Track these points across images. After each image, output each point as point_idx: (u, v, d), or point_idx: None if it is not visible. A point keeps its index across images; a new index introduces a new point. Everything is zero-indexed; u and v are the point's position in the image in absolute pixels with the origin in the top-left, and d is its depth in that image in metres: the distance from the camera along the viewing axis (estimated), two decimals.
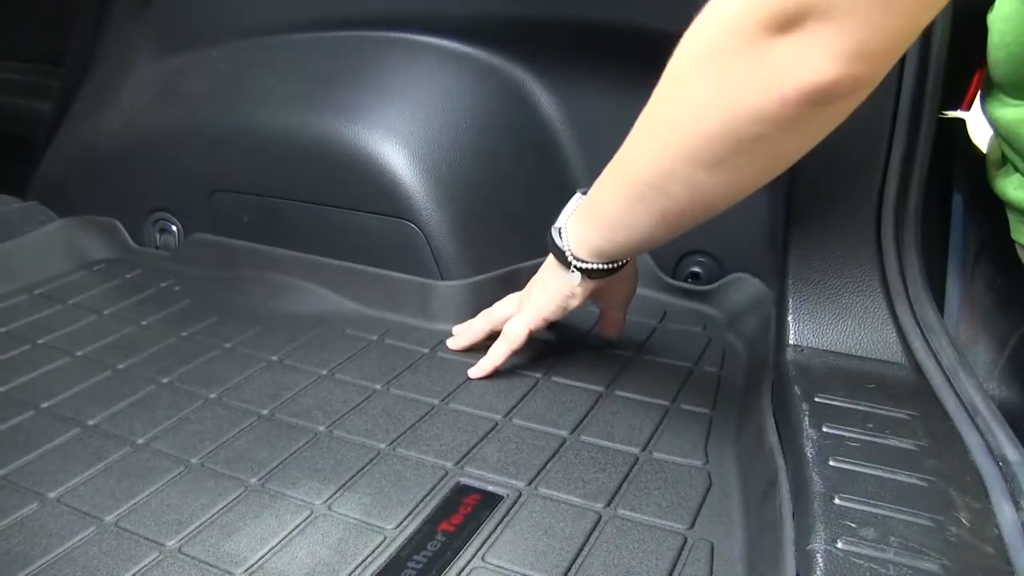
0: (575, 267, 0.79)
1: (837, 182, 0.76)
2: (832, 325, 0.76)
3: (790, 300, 0.78)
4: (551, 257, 0.82)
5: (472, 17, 1.05)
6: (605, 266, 0.79)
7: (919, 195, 0.77)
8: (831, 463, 0.59)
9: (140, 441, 0.77)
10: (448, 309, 0.98)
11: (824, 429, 0.63)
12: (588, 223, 0.77)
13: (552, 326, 0.95)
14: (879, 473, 0.57)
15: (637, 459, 0.74)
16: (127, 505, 0.68)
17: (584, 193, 0.79)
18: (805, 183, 0.77)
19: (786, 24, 0.50)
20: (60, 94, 1.34)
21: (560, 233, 0.79)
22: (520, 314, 0.87)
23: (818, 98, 0.52)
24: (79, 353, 0.93)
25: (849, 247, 0.77)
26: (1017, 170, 0.74)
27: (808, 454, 0.60)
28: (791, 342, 0.77)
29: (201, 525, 0.65)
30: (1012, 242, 0.77)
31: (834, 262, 0.77)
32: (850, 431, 0.62)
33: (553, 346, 0.93)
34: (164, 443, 0.76)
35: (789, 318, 0.78)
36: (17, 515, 0.66)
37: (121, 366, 0.90)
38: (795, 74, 0.51)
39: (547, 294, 0.84)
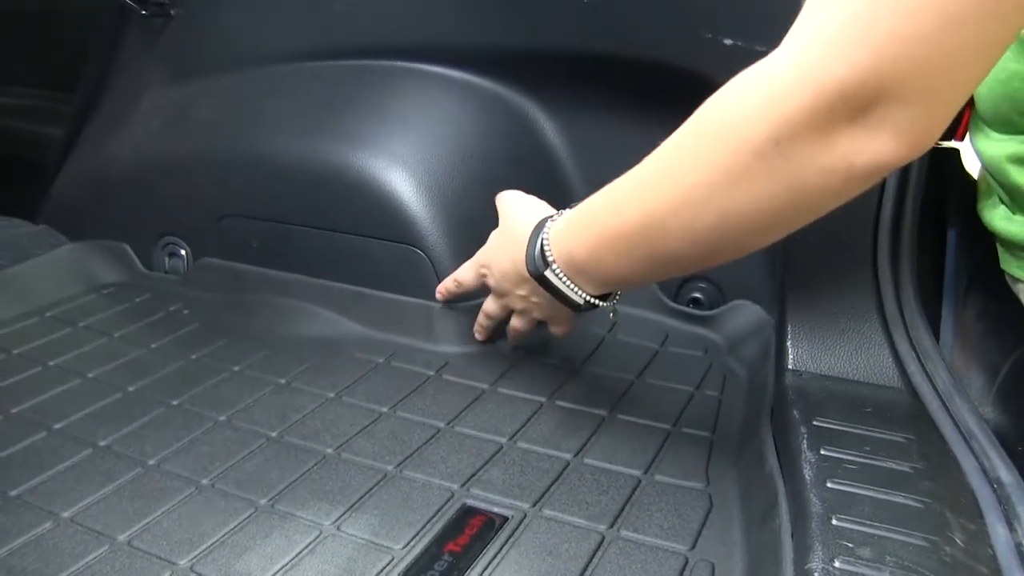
0: (588, 303, 0.77)
1: (833, 211, 0.78)
2: (830, 350, 0.78)
3: (789, 326, 0.80)
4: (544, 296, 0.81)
5: (477, 48, 1.08)
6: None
7: (914, 224, 0.79)
8: (829, 485, 0.60)
9: (151, 462, 0.78)
10: (453, 332, 1.00)
11: (822, 452, 0.65)
12: (588, 271, 0.74)
13: (556, 351, 0.97)
14: (876, 495, 0.59)
15: (639, 481, 0.75)
16: (139, 525, 0.69)
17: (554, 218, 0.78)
18: None
19: (857, 110, 0.50)
20: (72, 120, 1.36)
21: (553, 269, 0.75)
22: (524, 319, 0.91)
23: (882, 173, 0.53)
24: (90, 375, 0.94)
25: (846, 274, 0.78)
26: (1003, 202, 0.76)
27: (807, 476, 0.62)
28: (790, 367, 0.78)
29: (212, 545, 0.66)
30: (1002, 271, 0.79)
31: (831, 289, 0.78)
32: (848, 454, 0.64)
33: (557, 370, 0.95)
34: (175, 464, 0.78)
35: (788, 343, 0.79)
36: (32, 534, 0.68)
37: (131, 388, 0.92)
38: (863, 156, 0.51)
39: (541, 312, 0.87)
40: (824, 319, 0.79)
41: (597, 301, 0.77)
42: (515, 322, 0.92)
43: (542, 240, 0.76)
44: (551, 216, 0.79)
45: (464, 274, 0.94)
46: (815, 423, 0.69)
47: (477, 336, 0.98)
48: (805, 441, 0.66)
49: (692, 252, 0.64)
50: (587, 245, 0.71)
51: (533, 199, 0.89)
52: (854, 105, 0.50)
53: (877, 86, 0.49)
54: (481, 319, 0.96)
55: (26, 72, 1.46)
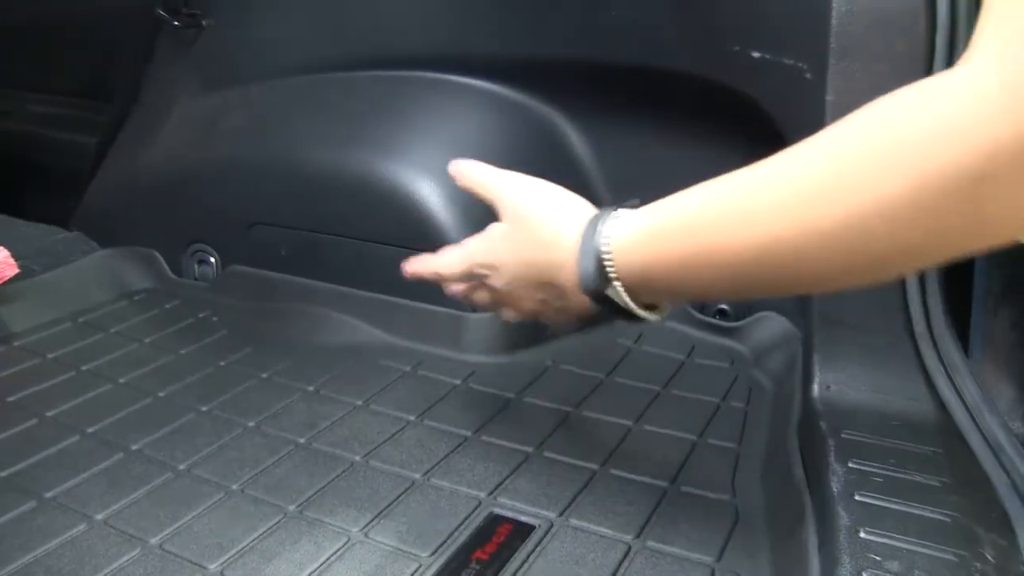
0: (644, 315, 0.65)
1: None
2: (857, 363, 0.77)
3: (816, 339, 0.80)
4: (572, 281, 0.66)
5: (505, 58, 1.09)
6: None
7: None
8: (857, 498, 0.60)
9: (182, 467, 0.79)
10: (479, 341, 1.00)
11: (850, 465, 0.65)
12: (663, 287, 0.63)
13: (582, 361, 0.97)
14: (904, 508, 0.59)
15: (666, 492, 0.75)
16: (170, 528, 0.70)
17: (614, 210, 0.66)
18: None
19: None
20: (105, 129, 1.38)
21: (615, 286, 0.63)
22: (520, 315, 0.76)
23: None
24: (121, 380, 0.96)
25: (873, 286, 0.78)
26: None
27: (834, 489, 0.62)
28: (817, 379, 0.78)
29: (242, 550, 0.67)
30: None
31: (858, 301, 0.78)
32: (875, 467, 0.64)
33: (583, 380, 0.95)
34: (205, 469, 0.79)
35: (815, 356, 0.79)
36: (67, 535, 0.69)
37: (162, 394, 0.93)
38: None
39: (557, 313, 0.73)
40: (851, 332, 0.78)
41: (653, 317, 0.66)
42: (508, 315, 0.78)
43: (599, 251, 0.63)
44: (599, 217, 0.65)
45: (450, 268, 0.78)
46: (842, 436, 0.69)
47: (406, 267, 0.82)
48: (832, 454, 0.66)
49: (809, 280, 0.55)
50: (675, 261, 0.59)
51: (548, 188, 0.75)
52: None
53: None
54: (445, 287, 0.81)
55: (62, 82, 1.49)
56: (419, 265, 0.81)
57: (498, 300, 0.77)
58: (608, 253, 0.62)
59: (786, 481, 0.72)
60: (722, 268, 0.56)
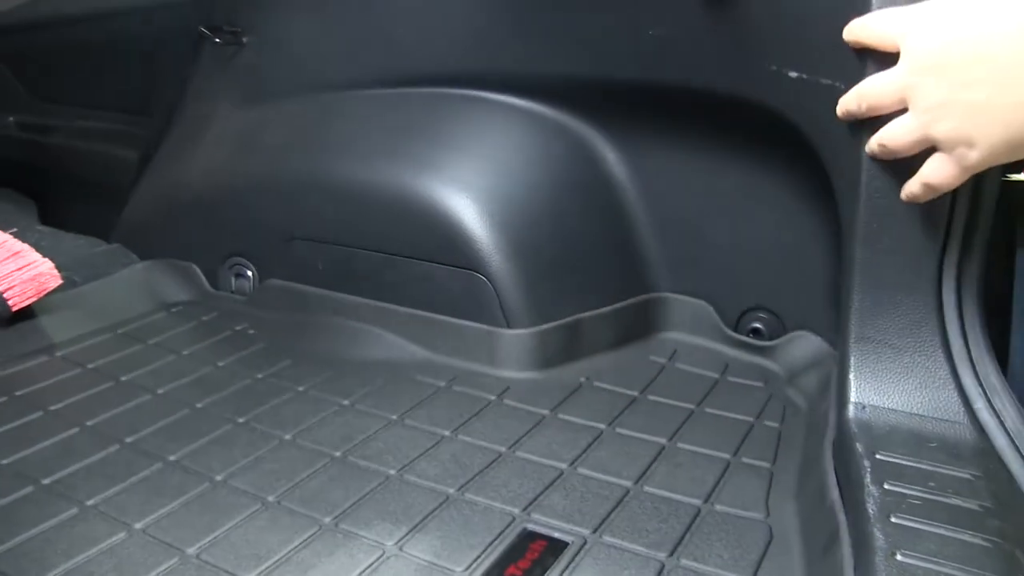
0: None
1: (899, 242, 0.77)
2: (893, 384, 0.77)
3: (852, 358, 0.79)
4: None
5: (542, 77, 1.09)
6: None
7: (981, 255, 0.78)
8: (893, 520, 0.60)
9: (219, 478, 0.80)
10: (514, 356, 1.01)
11: (886, 486, 0.64)
12: None
13: (616, 378, 0.97)
14: (942, 531, 0.58)
15: (699, 510, 0.75)
16: (208, 539, 0.71)
17: None
18: (867, 243, 0.78)
19: None
20: (146, 143, 1.40)
21: None
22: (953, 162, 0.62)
23: None
24: (160, 391, 0.97)
25: (910, 307, 0.78)
26: None
27: (870, 510, 0.61)
28: (853, 399, 0.78)
29: (278, 561, 0.68)
30: None
31: (895, 322, 0.78)
32: (912, 489, 0.63)
33: (617, 397, 0.95)
34: (241, 480, 0.80)
35: (851, 376, 0.79)
36: (107, 543, 0.70)
37: (199, 405, 0.94)
38: None
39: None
40: (888, 352, 0.78)
41: None
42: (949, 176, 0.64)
43: None
44: None
45: (880, 98, 0.66)
46: (878, 457, 0.69)
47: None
48: (868, 475, 0.66)
49: None
50: None
51: None
52: None
53: None
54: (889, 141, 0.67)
55: (107, 98, 1.52)
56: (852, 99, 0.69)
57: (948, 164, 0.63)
58: None
59: (820, 501, 0.72)
60: None
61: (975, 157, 0.59)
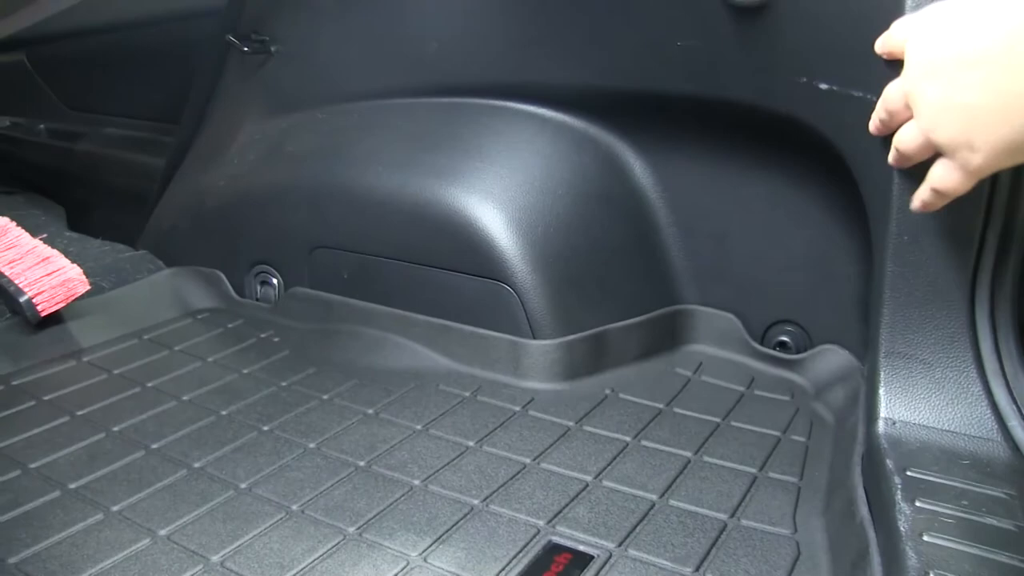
0: None
1: (930, 256, 0.77)
2: (924, 399, 0.76)
3: (882, 373, 0.78)
4: None
5: (569, 87, 1.09)
6: None
7: (1016, 270, 0.77)
8: (925, 538, 0.59)
9: (243, 485, 0.80)
10: (539, 367, 1.00)
11: (917, 503, 0.63)
12: None
13: (641, 390, 0.97)
14: (977, 552, 0.57)
15: (725, 525, 0.74)
16: (232, 547, 0.71)
17: None
18: (898, 256, 0.77)
19: None
20: (173, 151, 1.41)
21: None
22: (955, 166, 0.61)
23: None
24: (185, 398, 0.97)
25: (942, 321, 0.77)
26: None
27: (901, 528, 0.60)
28: (883, 415, 0.77)
29: (302, 570, 0.68)
30: None
31: (927, 336, 0.77)
32: (945, 507, 0.62)
33: (642, 410, 0.94)
34: (266, 489, 0.80)
35: (881, 391, 0.78)
36: (132, 549, 0.70)
37: (224, 412, 0.94)
38: None
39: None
40: (919, 367, 0.77)
41: None
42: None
43: None
44: None
45: (893, 104, 0.66)
46: (909, 473, 0.68)
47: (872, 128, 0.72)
48: (899, 492, 0.65)
49: None
50: None
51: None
52: None
53: None
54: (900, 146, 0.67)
55: (135, 106, 1.53)
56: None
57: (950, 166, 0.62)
58: None
59: (849, 518, 0.71)
60: None
61: (978, 160, 0.58)
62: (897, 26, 0.68)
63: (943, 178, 0.62)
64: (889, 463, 0.69)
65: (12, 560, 0.69)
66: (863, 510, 0.69)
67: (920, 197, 0.66)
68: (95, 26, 1.50)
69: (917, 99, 0.62)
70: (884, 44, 0.70)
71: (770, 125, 0.94)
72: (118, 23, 1.47)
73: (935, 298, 0.77)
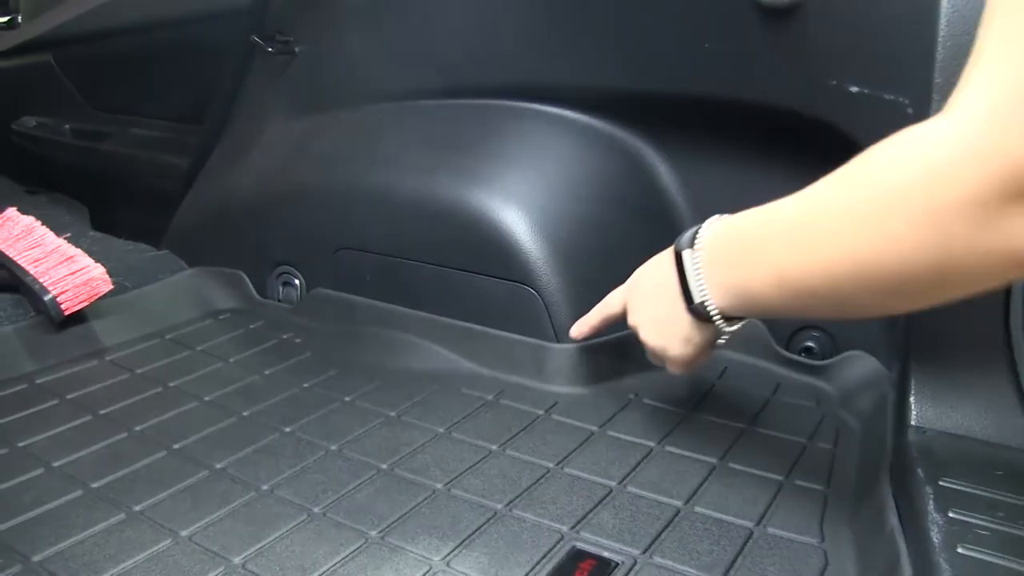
0: (703, 306, 0.73)
1: None
2: (957, 408, 0.75)
3: (912, 380, 0.77)
4: (670, 294, 0.76)
5: (594, 89, 1.09)
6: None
7: None
8: (960, 551, 0.58)
9: (265, 487, 0.80)
10: (562, 372, 1.00)
11: (950, 514, 0.62)
12: (729, 286, 0.71)
13: (666, 395, 0.96)
14: (1014, 565, 0.56)
15: (752, 533, 0.73)
16: (253, 549, 0.70)
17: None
18: None
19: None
20: (197, 151, 1.42)
21: (694, 255, 0.73)
22: (669, 365, 0.83)
23: None
24: (207, 398, 0.97)
25: (976, 329, 0.75)
26: None
27: (935, 539, 0.59)
28: (913, 423, 0.76)
29: (324, 573, 0.67)
30: None
31: (959, 343, 0.76)
32: (979, 518, 0.61)
33: (666, 415, 0.94)
34: (287, 491, 0.79)
35: (911, 398, 0.76)
36: (153, 549, 0.70)
37: (246, 413, 0.94)
38: None
39: (658, 334, 0.81)
40: (950, 375, 0.76)
41: (715, 313, 0.73)
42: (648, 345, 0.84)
43: (700, 227, 0.74)
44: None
45: (611, 301, 0.89)
46: (941, 483, 0.66)
47: (572, 331, 0.94)
48: (932, 502, 0.64)
49: (828, 303, 0.62)
50: (730, 251, 0.70)
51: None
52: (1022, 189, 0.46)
53: None
54: (593, 314, 0.92)
55: (158, 106, 1.53)
56: (582, 321, 0.93)
57: (628, 316, 0.85)
58: (703, 228, 0.74)
59: (878, 527, 0.70)
60: (757, 265, 0.66)
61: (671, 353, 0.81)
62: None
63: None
64: (920, 472, 0.68)
65: (36, 558, 0.69)
66: (893, 520, 0.68)
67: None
68: (121, 27, 1.50)
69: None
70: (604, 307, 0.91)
71: (797, 128, 0.93)
72: (143, 24, 1.48)
73: (968, 304, 0.75)
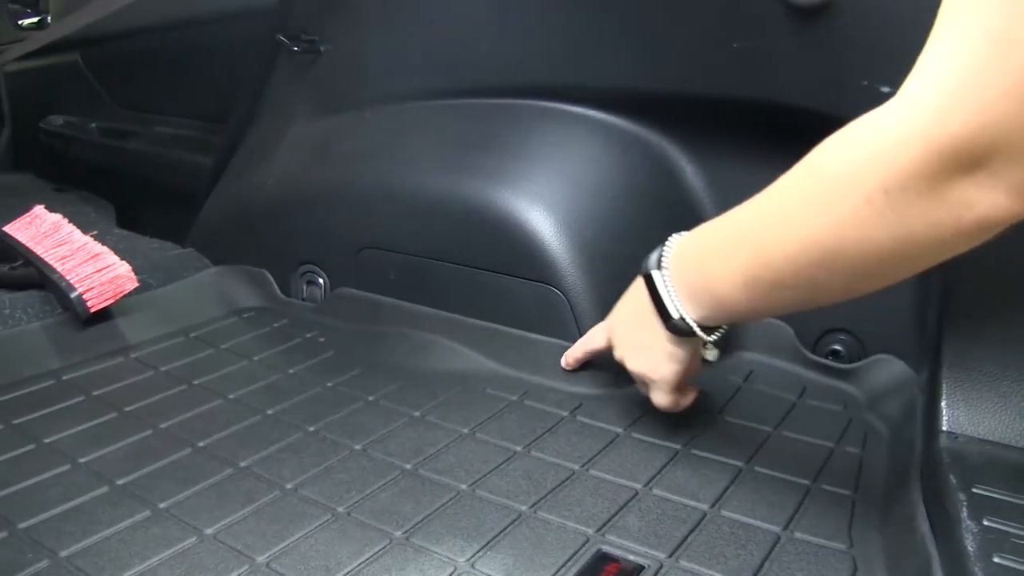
0: (682, 320, 0.77)
1: (999, 264, 0.74)
2: (990, 414, 0.74)
3: (944, 385, 0.76)
4: (647, 318, 0.81)
5: (620, 89, 1.08)
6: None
7: None
8: (995, 559, 0.57)
9: (289, 486, 0.80)
10: (587, 373, 0.99)
11: (985, 523, 0.61)
12: (700, 295, 0.75)
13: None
14: None
15: (779, 538, 0.72)
16: (278, 547, 0.70)
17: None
18: (965, 265, 0.75)
19: (969, 165, 0.50)
20: (221, 150, 1.42)
21: (663, 274, 0.78)
22: (656, 393, 0.86)
23: (994, 228, 0.53)
24: (231, 396, 0.97)
25: (1010, 334, 0.74)
26: None
27: (969, 548, 0.58)
28: (945, 428, 0.75)
29: (348, 573, 0.67)
30: None
31: (993, 348, 0.75)
32: (1016, 527, 0.60)
33: (692, 417, 0.93)
34: (311, 490, 0.79)
35: (943, 404, 0.75)
36: (179, 547, 0.70)
37: (270, 411, 0.94)
38: (975, 210, 0.51)
39: (640, 359, 0.85)
40: (983, 380, 0.75)
41: (693, 324, 0.77)
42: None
43: (664, 247, 0.79)
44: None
45: (593, 336, 0.95)
46: (975, 490, 0.65)
47: (562, 361, 1.00)
48: (965, 509, 0.63)
49: (798, 293, 0.66)
50: (696, 261, 0.75)
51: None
52: (965, 161, 0.50)
53: (989, 142, 0.49)
54: (577, 347, 0.98)
55: (184, 104, 1.54)
56: (568, 352, 0.99)
57: (613, 348, 0.89)
58: (667, 247, 0.79)
59: (908, 534, 0.69)
60: (726, 266, 0.70)
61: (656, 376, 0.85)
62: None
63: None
64: (953, 479, 0.67)
65: (63, 553, 0.69)
66: (924, 526, 0.67)
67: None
68: (147, 26, 1.51)
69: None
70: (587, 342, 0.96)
71: (827, 128, 0.91)
72: (170, 23, 1.49)
73: (1002, 309, 0.75)
